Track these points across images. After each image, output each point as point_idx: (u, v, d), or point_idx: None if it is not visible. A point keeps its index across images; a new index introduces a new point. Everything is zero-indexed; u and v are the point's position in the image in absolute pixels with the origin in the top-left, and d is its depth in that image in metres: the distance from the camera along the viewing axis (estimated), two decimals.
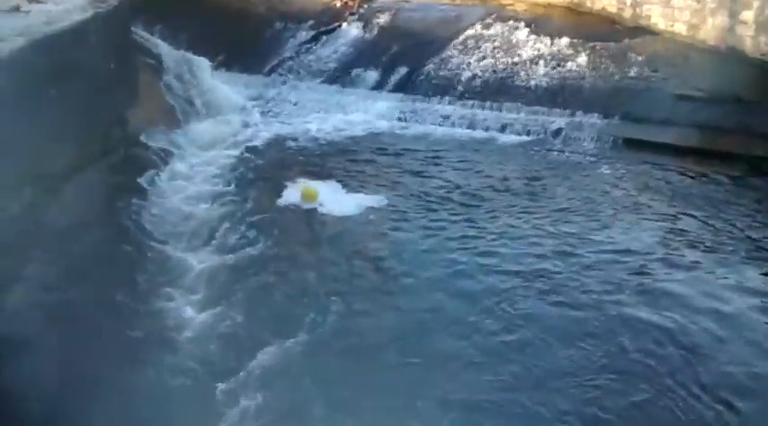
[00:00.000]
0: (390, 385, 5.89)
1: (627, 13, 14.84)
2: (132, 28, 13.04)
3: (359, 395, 5.71)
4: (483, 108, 13.14)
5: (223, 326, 6.64)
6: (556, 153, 11.78)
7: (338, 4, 16.39)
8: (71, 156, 8.32)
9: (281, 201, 9.50)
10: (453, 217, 9.20)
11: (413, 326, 6.79)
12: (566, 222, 9.09)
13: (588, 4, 15.77)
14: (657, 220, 9.15)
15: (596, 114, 12.40)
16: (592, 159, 11.45)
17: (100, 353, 5.67)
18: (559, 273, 7.80)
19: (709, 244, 8.49)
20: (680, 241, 8.57)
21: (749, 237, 8.68)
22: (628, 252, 8.28)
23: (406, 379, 6.02)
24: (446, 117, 13.13)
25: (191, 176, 10.12)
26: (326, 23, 15.75)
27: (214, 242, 8.33)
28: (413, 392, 5.82)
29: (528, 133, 12.50)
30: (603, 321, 6.89)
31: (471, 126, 12.86)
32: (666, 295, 7.36)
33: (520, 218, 9.18)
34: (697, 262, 8.03)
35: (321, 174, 10.44)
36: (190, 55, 13.79)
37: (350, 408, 5.61)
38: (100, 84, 9.70)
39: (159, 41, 14.22)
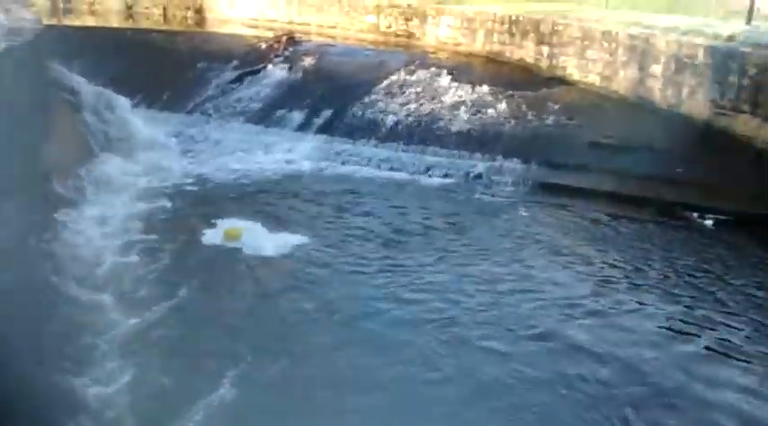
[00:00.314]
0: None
1: (543, 64, 15.50)
2: (49, 63, 12.71)
3: None
4: (406, 151, 13.36)
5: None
6: (477, 195, 12.03)
7: (263, 46, 16.47)
8: None
9: (203, 241, 9.31)
10: (375, 258, 9.21)
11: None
12: (485, 263, 9.25)
13: (507, 54, 16.39)
14: (574, 261, 9.41)
15: (516, 159, 12.78)
16: (511, 201, 11.75)
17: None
18: (479, 312, 7.91)
19: (623, 284, 8.78)
20: (595, 281, 8.84)
21: (664, 276, 9.04)
22: (543, 292, 8.48)
23: None
24: (370, 159, 13.28)
25: (106, 215, 9.76)
26: (251, 64, 15.77)
27: (131, 286, 7.96)
28: None
29: (450, 176, 12.75)
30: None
31: (394, 168, 13.03)
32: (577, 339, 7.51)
33: (441, 260, 9.28)
34: (614, 304, 8.27)
35: (243, 214, 10.30)
36: (108, 91, 13.52)
37: None
38: (11, 119, 9.32)
39: (77, 77, 13.88)
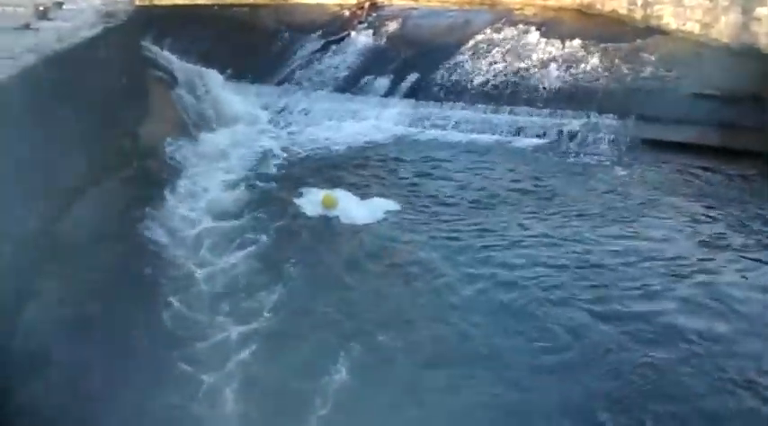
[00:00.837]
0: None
1: (638, 14, 14.72)
2: (143, 43, 13.10)
3: None
4: (496, 112, 13.04)
5: (250, 346, 6.43)
6: (571, 155, 11.64)
7: (346, 14, 16.38)
8: (84, 171, 8.28)
9: (301, 209, 9.39)
10: (468, 222, 9.06)
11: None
12: (584, 224, 8.93)
13: (598, 6, 15.67)
14: (678, 220, 8.98)
15: (611, 115, 12.27)
16: (609, 159, 11.31)
17: (115, 370, 5.55)
18: (583, 274, 7.63)
19: (733, 241, 8.33)
20: (707, 242, 8.39)
21: None
22: (649, 251, 8.11)
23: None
24: (457, 122, 13.05)
25: (205, 188, 10.02)
26: (335, 33, 15.73)
27: (235, 254, 8.09)
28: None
29: (542, 136, 12.38)
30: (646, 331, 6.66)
31: (484, 130, 12.76)
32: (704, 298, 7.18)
33: (537, 221, 9.03)
34: (724, 262, 7.85)
35: (335, 182, 10.37)
36: (200, 67, 13.82)
37: None
38: (111, 98, 9.68)
39: (170, 55, 14.26)
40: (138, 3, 14.13)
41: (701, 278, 7.53)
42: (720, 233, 8.60)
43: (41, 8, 10.28)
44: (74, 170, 8.04)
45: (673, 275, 7.63)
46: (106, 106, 9.44)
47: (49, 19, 10.07)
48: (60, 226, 6.92)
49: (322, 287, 7.44)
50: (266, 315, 6.87)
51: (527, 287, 7.41)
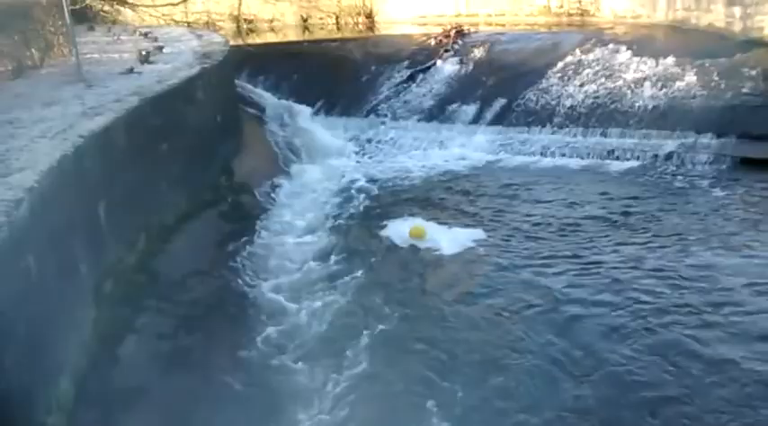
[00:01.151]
0: None
1: (737, 27, 14.08)
2: (237, 81, 13.69)
3: None
4: (586, 135, 12.74)
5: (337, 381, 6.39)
6: (667, 177, 11.19)
7: (433, 43, 16.50)
8: (182, 206, 8.68)
9: (390, 240, 9.38)
10: (559, 251, 8.77)
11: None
12: (684, 252, 8.44)
13: (693, 20, 15.12)
14: None
15: (710, 134, 11.73)
16: (708, 182, 10.77)
17: (213, 404, 5.70)
18: (687, 310, 7.18)
19: None
20: None
21: None
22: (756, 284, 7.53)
23: None
24: (546, 146, 12.84)
25: (297, 220, 10.25)
26: (422, 62, 15.86)
27: (328, 291, 8.04)
28: None
29: (635, 158, 11.98)
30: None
31: (573, 154, 12.49)
32: None
33: (633, 251, 8.62)
34: None
35: (423, 211, 10.36)
36: (291, 103, 14.29)
37: None
38: (207, 135, 10.15)
39: (262, 92, 14.83)
40: (232, 43, 14.79)
41: None
42: None
43: (144, 53, 10.94)
44: (172, 206, 8.45)
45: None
46: (203, 143, 9.90)
47: (150, 62, 10.71)
48: (158, 261, 7.25)
49: (419, 321, 7.34)
50: (359, 356, 6.68)
51: (623, 325, 6.98)
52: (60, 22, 10.94)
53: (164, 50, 11.95)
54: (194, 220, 8.67)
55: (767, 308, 7.05)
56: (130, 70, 9.94)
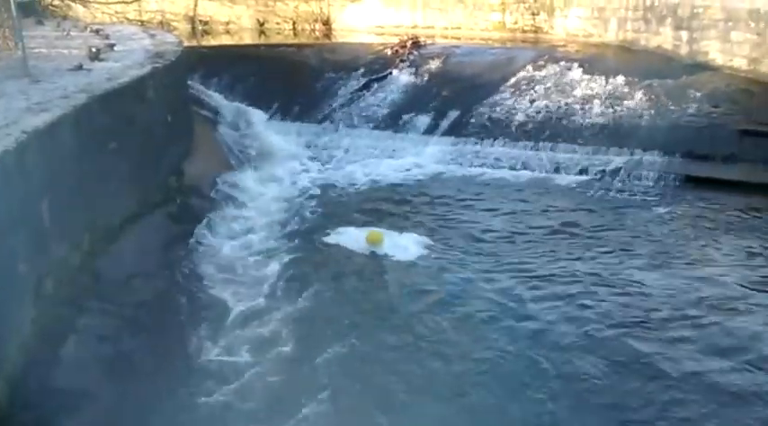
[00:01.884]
0: None
1: (683, 50, 14.58)
2: (189, 82, 13.47)
3: None
4: (537, 149, 12.96)
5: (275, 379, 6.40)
6: (613, 192, 11.46)
7: (389, 52, 16.58)
8: (130, 206, 8.48)
9: (343, 247, 9.39)
10: (507, 260, 8.96)
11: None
12: (624, 265, 8.71)
13: (642, 41, 15.57)
14: (728, 261, 8.71)
15: (656, 152, 12.07)
16: (654, 198, 11.08)
17: (154, 407, 5.56)
18: (624, 316, 7.44)
19: None
20: (754, 282, 8.11)
21: None
22: (701, 300, 7.80)
23: None
24: (498, 159, 13.00)
25: (247, 225, 10.14)
26: (378, 71, 15.91)
27: (276, 294, 8.04)
28: None
29: (583, 173, 12.23)
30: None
31: (525, 167, 12.68)
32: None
33: (576, 261, 8.85)
34: None
35: (375, 218, 10.38)
36: (245, 106, 14.14)
37: None
38: (158, 135, 9.95)
39: (215, 94, 14.63)
40: (186, 44, 14.58)
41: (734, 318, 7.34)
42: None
43: (94, 50, 10.68)
44: (119, 206, 8.25)
45: (714, 313, 7.46)
46: (153, 143, 9.69)
47: (101, 60, 10.45)
48: (102, 262, 7.06)
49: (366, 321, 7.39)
50: (310, 357, 6.68)
51: (561, 327, 7.25)
52: (6, 15, 10.59)
53: (115, 48, 11.68)
54: (142, 221, 8.47)
55: (700, 320, 7.34)
56: (79, 67, 9.67)
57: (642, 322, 7.34)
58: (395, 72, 15.77)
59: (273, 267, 8.75)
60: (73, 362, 5.62)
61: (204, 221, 9.65)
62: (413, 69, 15.77)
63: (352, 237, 9.62)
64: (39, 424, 5.00)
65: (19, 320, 5.53)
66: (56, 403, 5.13)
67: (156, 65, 10.47)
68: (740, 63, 13.32)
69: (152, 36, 14.04)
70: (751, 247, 9.08)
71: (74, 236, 6.91)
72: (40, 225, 6.14)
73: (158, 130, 10.04)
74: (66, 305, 6.11)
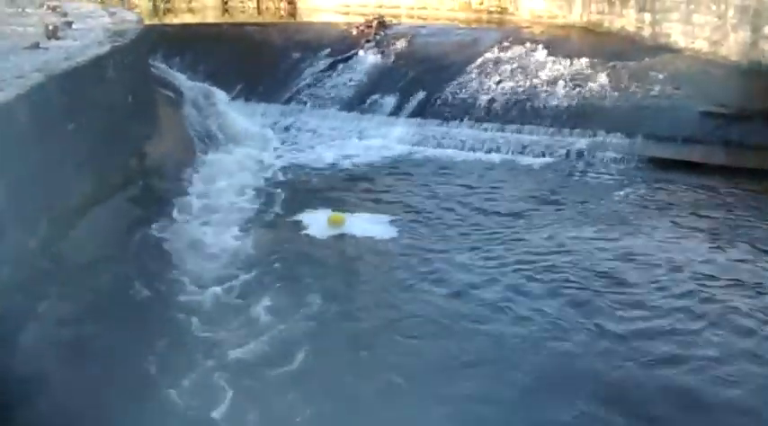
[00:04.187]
0: None
1: (646, 32, 14.71)
2: (151, 61, 13.20)
3: None
4: (502, 130, 13.02)
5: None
6: (578, 173, 11.60)
7: (354, 32, 16.44)
8: (89, 189, 8.30)
9: (307, 229, 9.38)
10: (473, 237, 9.13)
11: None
12: (588, 240, 8.90)
13: (606, 23, 15.67)
14: (687, 240, 8.88)
15: (619, 133, 12.23)
16: (617, 179, 11.24)
17: (115, 393, 5.49)
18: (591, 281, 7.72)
19: (745, 268, 8.19)
20: (717, 263, 8.31)
21: None
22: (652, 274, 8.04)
23: None
24: (464, 140, 13.05)
25: (210, 206, 10.01)
26: (343, 51, 15.78)
27: (241, 276, 8.00)
28: None
29: (549, 154, 12.34)
30: None
31: (490, 149, 12.75)
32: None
33: (539, 240, 8.99)
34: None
35: (341, 200, 10.36)
36: (208, 86, 13.91)
37: None
38: (118, 116, 9.73)
39: (178, 74, 14.37)
40: (147, 22, 14.26)
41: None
42: (724, 252, 8.49)
43: (51, 27, 10.37)
44: (78, 189, 8.06)
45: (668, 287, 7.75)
46: (113, 124, 9.47)
47: (58, 38, 10.16)
48: (62, 247, 6.91)
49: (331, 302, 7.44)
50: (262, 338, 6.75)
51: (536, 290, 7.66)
52: None
53: (73, 26, 11.36)
54: (102, 204, 8.30)
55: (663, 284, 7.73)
56: (36, 45, 9.39)
57: (589, 275, 7.89)
58: (361, 52, 15.66)
59: (236, 250, 8.70)
60: (31, 348, 5.51)
61: (167, 204, 9.50)
62: (379, 50, 15.68)
63: (315, 219, 9.58)
64: None
65: None
66: (13, 391, 5.02)
67: (116, 43, 10.20)
68: (701, 45, 13.50)
69: (112, 14, 13.66)
70: (704, 223, 9.34)
71: (31, 220, 6.74)
72: None
73: (119, 111, 9.80)
74: (24, 290, 5.96)
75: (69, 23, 11.44)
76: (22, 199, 6.45)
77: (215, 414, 5.73)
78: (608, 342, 6.74)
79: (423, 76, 14.54)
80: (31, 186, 6.68)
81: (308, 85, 14.97)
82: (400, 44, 15.76)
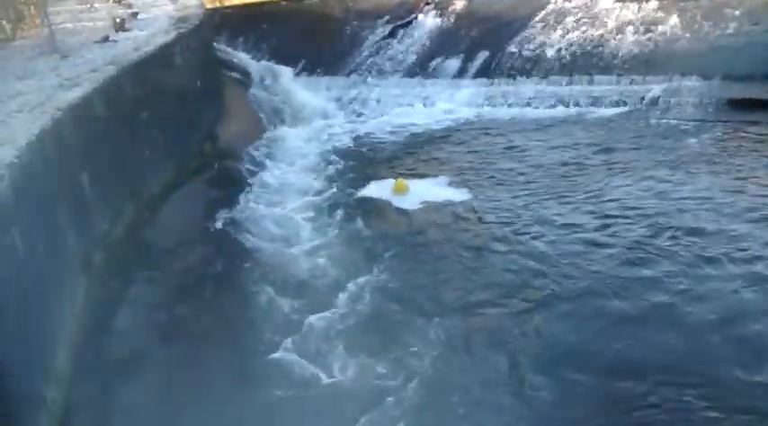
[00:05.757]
0: None
1: None
2: (215, 44, 13.45)
3: None
4: (571, 83, 12.66)
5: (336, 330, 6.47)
6: (653, 121, 11.18)
7: None
8: (168, 175, 8.60)
9: (374, 197, 9.39)
10: (550, 193, 8.95)
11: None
12: (675, 190, 8.55)
13: None
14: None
15: (695, 77, 11.70)
16: (694, 123, 10.79)
17: (211, 371, 5.70)
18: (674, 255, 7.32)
19: None
20: None
21: None
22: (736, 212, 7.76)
23: None
24: (532, 97, 12.74)
25: (283, 183, 10.18)
26: (402, 17, 15.61)
27: (321, 247, 8.07)
28: None
29: (622, 104, 11.94)
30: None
31: (559, 103, 12.43)
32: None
33: (622, 194, 8.65)
34: None
35: (409, 167, 10.34)
36: (272, 64, 14.08)
37: None
38: (189, 101, 10.01)
39: (242, 54, 14.59)
40: (208, 6, 14.50)
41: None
42: None
43: (118, 20, 10.71)
44: (158, 175, 8.38)
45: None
46: (184, 109, 9.77)
47: (125, 30, 10.48)
48: (147, 232, 7.21)
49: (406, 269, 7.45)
50: (353, 306, 6.78)
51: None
52: None
53: (138, 17, 11.70)
54: (181, 188, 8.59)
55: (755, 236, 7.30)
56: (106, 38, 9.73)
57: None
58: (420, 16, 15.46)
59: (312, 224, 8.77)
60: (126, 331, 5.78)
61: (242, 184, 9.71)
62: (438, 12, 15.44)
63: (383, 186, 9.60)
64: (101, 391, 5.19)
65: (72, 292, 5.71)
66: (114, 372, 5.31)
67: (181, 30, 10.46)
68: None
69: (174, 1, 13.98)
70: None
71: (116, 207, 7.06)
72: (82, 198, 6.28)
73: (189, 96, 10.10)
74: (115, 275, 6.26)
75: (135, 14, 11.78)
76: (108, 188, 6.75)
77: (323, 376, 5.84)
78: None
79: (485, 35, 14.24)
80: (114, 175, 6.98)
81: (370, 55, 14.90)
82: (459, 4, 15.46)
